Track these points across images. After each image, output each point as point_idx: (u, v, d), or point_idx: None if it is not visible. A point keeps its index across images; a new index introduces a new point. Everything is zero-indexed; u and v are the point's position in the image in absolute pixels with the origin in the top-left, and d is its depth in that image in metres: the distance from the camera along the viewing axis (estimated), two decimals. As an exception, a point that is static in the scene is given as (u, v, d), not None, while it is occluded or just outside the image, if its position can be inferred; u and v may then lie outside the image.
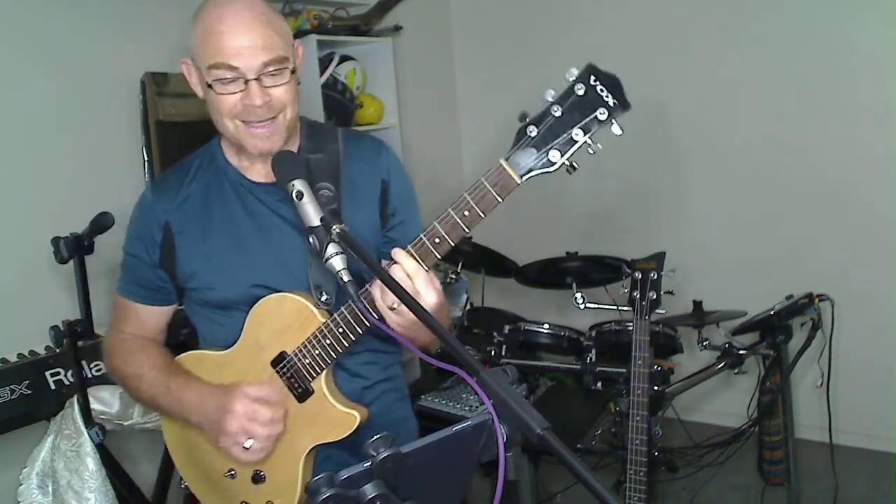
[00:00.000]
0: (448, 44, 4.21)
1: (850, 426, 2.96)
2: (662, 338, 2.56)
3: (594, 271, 2.80)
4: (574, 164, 1.12)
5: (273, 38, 1.27)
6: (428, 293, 1.17)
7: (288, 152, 1.31)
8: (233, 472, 1.43)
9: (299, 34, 3.09)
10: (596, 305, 2.34)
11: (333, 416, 1.35)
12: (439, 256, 1.20)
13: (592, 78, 1.11)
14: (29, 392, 2.02)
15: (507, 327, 2.67)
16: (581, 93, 1.11)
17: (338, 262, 1.15)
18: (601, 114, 1.10)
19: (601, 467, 2.80)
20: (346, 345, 1.30)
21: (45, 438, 2.06)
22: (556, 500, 2.77)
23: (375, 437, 0.83)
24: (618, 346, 2.54)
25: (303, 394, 1.36)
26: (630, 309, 2.01)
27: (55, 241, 1.98)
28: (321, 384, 1.34)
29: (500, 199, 1.15)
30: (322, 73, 3.19)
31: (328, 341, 1.30)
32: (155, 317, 1.50)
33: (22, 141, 2.37)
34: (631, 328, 2.01)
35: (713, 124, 3.50)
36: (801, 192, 3.32)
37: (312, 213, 1.19)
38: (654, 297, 1.98)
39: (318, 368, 1.33)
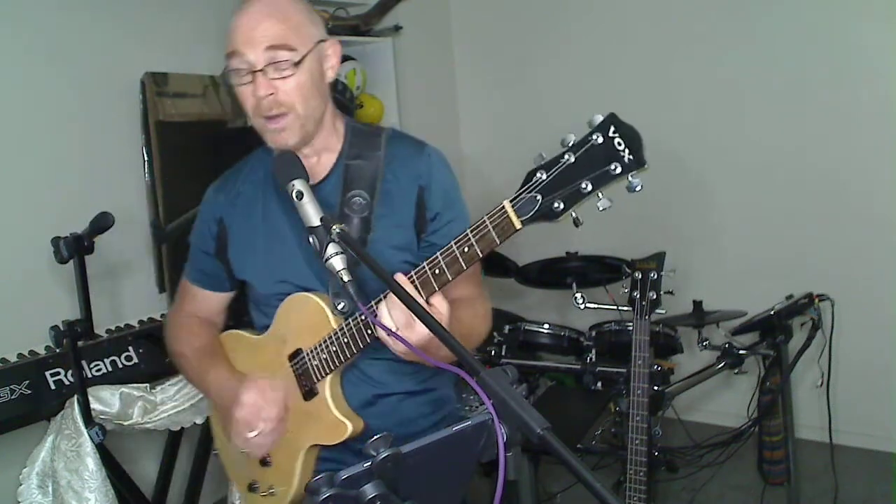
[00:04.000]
0: (448, 44, 4.21)
1: (850, 426, 2.96)
2: (662, 338, 2.56)
3: (594, 271, 2.80)
4: (579, 217, 1.07)
5: (283, 31, 1.28)
6: (420, 323, 1.15)
7: (288, 152, 1.31)
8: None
9: (299, 34, 3.09)
10: (596, 305, 2.34)
11: (328, 420, 1.37)
12: (437, 287, 1.19)
13: (612, 129, 1.04)
14: (29, 392, 2.02)
15: (507, 327, 2.67)
16: (598, 142, 1.04)
17: (338, 262, 1.15)
18: (614, 168, 1.04)
19: (601, 467, 2.80)
20: (349, 355, 1.32)
21: (45, 438, 2.05)
22: (556, 500, 2.77)
23: (375, 437, 0.83)
24: (618, 346, 2.54)
25: (308, 393, 1.40)
26: (630, 309, 2.01)
27: (55, 241, 1.98)
28: (325, 387, 1.37)
29: (498, 242, 1.12)
30: (322, 73, 3.18)
31: (334, 348, 1.33)
32: (210, 301, 1.59)
33: (22, 141, 2.37)
34: (631, 328, 2.01)
35: (713, 125, 3.50)
36: (802, 192, 3.32)
37: (312, 213, 1.19)
38: (654, 297, 1.98)
39: (324, 371, 1.36)
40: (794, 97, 3.28)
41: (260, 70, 1.28)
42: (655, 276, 1.99)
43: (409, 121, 3.76)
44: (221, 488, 2.45)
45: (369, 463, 0.81)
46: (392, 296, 1.18)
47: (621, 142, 1.04)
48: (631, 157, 1.03)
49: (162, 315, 2.42)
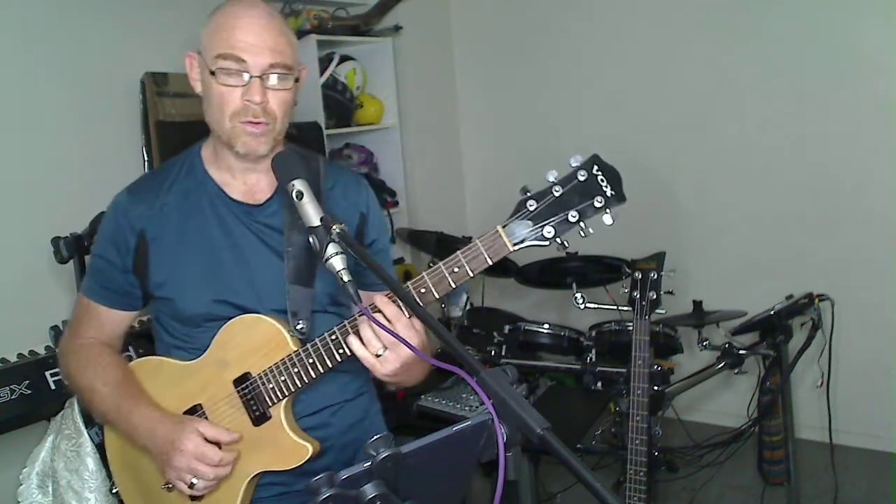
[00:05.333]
0: (448, 44, 4.21)
1: (850, 426, 2.96)
2: (662, 338, 2.55)
3: (594, 271, 2.80)
4: (565, 242, 1.19)
5: (284, 46, 1.31)
6: (409, 338, 1.16)
7: (287, 152, 1.31)
8: (170, 486, 1.39)
9: (299, 34, 3.09)
10: (596, 305, 2.34)
11: (286, 445, 1.33)
12: (421, 305, 1.20)
13: (595, 167, 1.17)
14: (29, 392, 2.02)
15: (507, 327, 2.67)
16: (583, 179, 1.16)
17: (338, 262, 1.14)
18: (598, 201, 1.16)
19: (601, 467, 2.80)
20: (314, 376, 1.29)
21: (45, 438, 2.05)
22: (556, 500, 2.77)
23: (375, 437, 0.83)
24: (618, 346, 2.54)
25: (259, 418, 1.34)
26: (630, 309, 2.00)
27: (55, 241, 1.98)
28: (280, 411, 1.33)
29: (490, 262, 1.19)
30: (322, 73, 3.19)
31: (296, 370, 1.29)
32: (116, 321, 1.48)
33: (22, 141, 2.37)
34: (631, 328, 2.01)
35: (713, 124, 3.51)
36: (802, 192, 3.32)
37: (312, 213, 1.18)
38: (654, 297, 1.98)
39: (280, 395, 1.32)
40: (794, 97, 3.28)
41: (258, 76, 1.28)
42: (655, 276, 1.99)
43: (409, 121, 3.76)
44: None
45: (369, 463, 0.81)
46: (377, 317, 1.17)
47: (604, 179, 1.16)
48: (613, 192, 1.16)
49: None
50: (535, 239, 1.18)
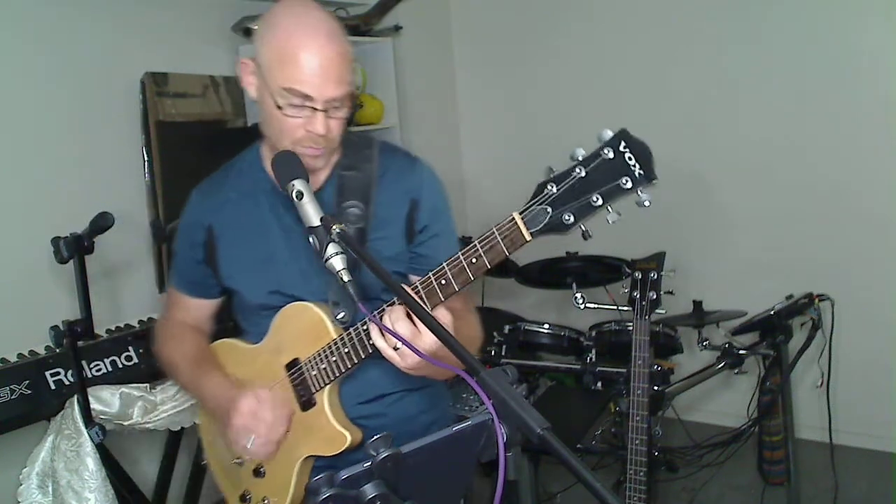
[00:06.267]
0: (448, 44, 4.21)
1: (850, 426, 2.96)
2: (662, 338, 2.56)
3: (594, 271, 2.80)
4: (588, 230, 1.07)
5: (345, 73, 1.29)
6: (428, 332, 1.15)
7: (288, 152, 1.31)
8: (240, 461, 1.50)
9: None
10: (596, 305, 2.34)
11: (327, 431, 1.37)
12: (444, 298, 1.19)
13: (623, 144, 1.05)
14: (29, 392, 2.02)
15: (507, 327, 2.67)
16: (609, 157, 1.04)
17: (337, 262, 1.15)
18: (624, 182, 1.04)
19: (601, 467, 2.80)
20: (349, 365, 1.31)
21: (45, 438, 2.05)
22: (556, 500, 2.77)
23: (375, 437, 0.83)
24: (618, 346, 2.54)
25: (306, 403, 1.39)
26: (630, 309, 2.01)
27: (55, 241, 1.98)
28: (324, 397, 1.37)
29: (507, 253, 1.13)
30: (322, 73, 3.18)
31: (333, 358, 1.33)
32: (199, 308, 1.59)
33: (22, 141, 2.37)
34: (631, 328, 2.01)
35: (713, 125, 3.50)
36: (802, 192, 3.32)
37: (312, 213, 1.19)
38: (654, 297, 1.98)
39: (322, 382, 1.36)
40: (794, 97, 3.28)
41: (322, 110, 1.27)
42: (655, 276, 1.99)
43: (409, 121, 3.76)
44: (221, 488, 2.44)
45: (369, 463, 0.82)
46: (395, 309, 1.18)
47: (632, 156, 1.04)
48: (641, 171, 1.04)
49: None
50: (555, 227, 1.08)
